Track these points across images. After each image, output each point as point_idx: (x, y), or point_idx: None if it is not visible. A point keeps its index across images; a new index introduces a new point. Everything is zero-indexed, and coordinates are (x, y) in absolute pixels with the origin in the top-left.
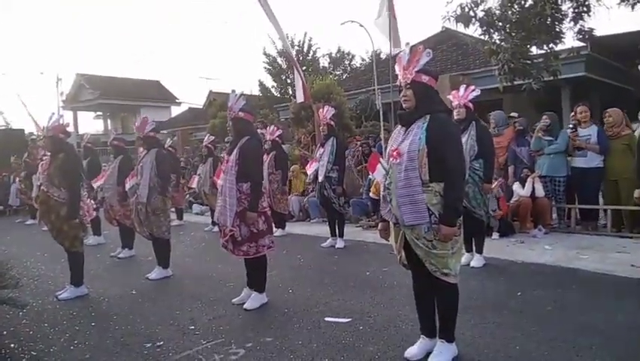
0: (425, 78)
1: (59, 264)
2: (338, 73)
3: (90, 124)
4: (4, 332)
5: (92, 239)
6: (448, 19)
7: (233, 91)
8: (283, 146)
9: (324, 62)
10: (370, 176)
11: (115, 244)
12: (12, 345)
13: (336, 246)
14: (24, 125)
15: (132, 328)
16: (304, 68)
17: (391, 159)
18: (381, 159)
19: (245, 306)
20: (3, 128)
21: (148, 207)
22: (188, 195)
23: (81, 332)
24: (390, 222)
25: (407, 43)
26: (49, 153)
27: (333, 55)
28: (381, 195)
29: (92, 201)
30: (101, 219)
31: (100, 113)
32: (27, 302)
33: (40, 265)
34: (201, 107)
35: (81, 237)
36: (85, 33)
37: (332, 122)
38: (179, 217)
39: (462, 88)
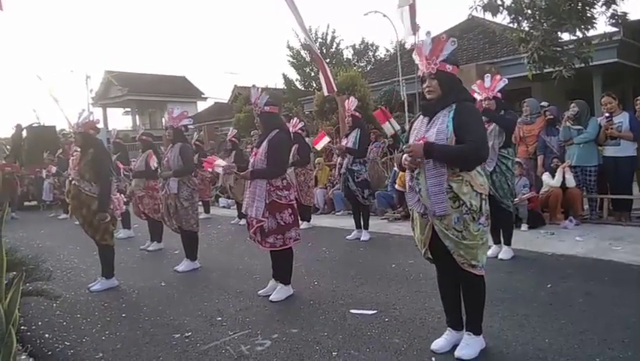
0: (449, 68)
1: (91, 257)
2: (362, 65)
3: (119, 120)
4: (39, 323)
5: (123, 232)
6: (475, 8)
7: (254, 86)
8: (307, 139)
9: (347, 54)
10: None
11: (144, 238)
12: (46, 335)
13: (362, 238)
14: (56, 122)
15: (161, 319)
16: (327, 60)
17: None
18: (391, 119)
19: (271, 298)
20: (36, 125)
21: (177, 201)
22: (214, 189)
23: (112, 323)
24: (416, 214)
25: (428, 32)
26: (79, 149)
27: (357, 46)
28: (407, 185)
29: (122, 196)
30: (130, 213)
31: (128, 109)
32: (60, 294)
33: (73, 258)
34: (226, 101)
35: (111, 230)
36: (112, 31)
37: (357, 114)
38: (206, 210)
39: (487, 79)
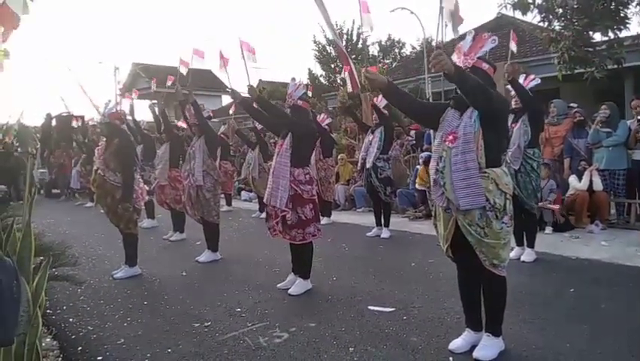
0: (485, 66)
1: (115, 245)
2: (388, 61)
3: (146, 112)
4: (64, 307)
5: (146, 222)
6: (505, 6)
7: (294, 79)
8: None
9: (373, 51)
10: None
11: (167, 228)
12: (70, 320)
13: (382, 236)
14: (84, 111)
15: (182, 308)
16: (353, 56)
17: (447, 143)
18: None
19: (289, 291)
20: (65, 114)
21: (200, 191)
22: (237, 182)
23: (134, 310)
24: (439, 209)
25: (470, 31)
26: (105, 139)
27: (383, 43)
28: (431, 179)
29: (146, 186)
30: (154, 203)
31: (155, 101)
32: (85, 280)
33: (98, 246)
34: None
35: (135, 219)
36: (141, 23)
37: (386, 112)
38: (228, 203)
39: (522, 77)
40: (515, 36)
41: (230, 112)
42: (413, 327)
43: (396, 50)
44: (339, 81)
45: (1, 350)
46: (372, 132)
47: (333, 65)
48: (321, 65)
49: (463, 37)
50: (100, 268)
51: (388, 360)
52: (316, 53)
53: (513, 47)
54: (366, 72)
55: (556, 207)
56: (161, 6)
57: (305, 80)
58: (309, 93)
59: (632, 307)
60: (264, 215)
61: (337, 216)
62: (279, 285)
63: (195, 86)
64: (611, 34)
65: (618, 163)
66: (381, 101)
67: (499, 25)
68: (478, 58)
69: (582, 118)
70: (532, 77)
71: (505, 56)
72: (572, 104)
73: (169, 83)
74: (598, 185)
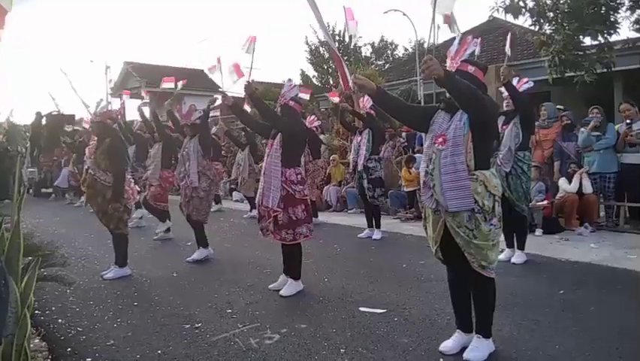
0: (471, 69)
1: (105, 245)
2: (380, 63)
3: (136, 111)
4: (53, 308)
5: (138, 212)
6: (497, 9)
7: (290, 80)
8: (322, 136)
9: (366, 52)
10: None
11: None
12: (60, 320)
13: (373, 237)
14: (75, 110)
15: (172, 309)
16: (345, 57)
17: (436, 145)
18: None
19: (281, 292)
20: (55, 113)
21: (194, 192)
22: (227, 183)
23: (124, 311)
24: (429, 211)
25: (458, 34)
26: (96, 138)
27: (376, 44)
28: (421, 181)
29: (137, 186)
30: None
31: (146, 100)
32: (74, 280)
33: (87, 246)
34: (242, 96)
35: (125, 219)
36: (133, 22)
37: (372, 112)
38: (217, 202)
39: (515, 80)
40: (511, 40)
41: (213, 114)
42: (404, 328)
43: (389, 52)
44: (331, 82)
45: None
46: (360, 134)
47: (325, 67)
48: (313, 66)
49: (452, 41)
50: (89, 268)
51: None
52: (308, 54)
53: (508, 50)
54: (355, 78)
55: (545, 202)
56: (155, 4)
57: (298, 81)
58: (307, 97)
59: (620, 309)
60: (254, 212)
61: (329, 218)
62: (270, 286)
63: (189, 87)
64: (601, 39)
65: (609, 166)
66: (367, 102)
67: (490, 28)
68: (463, 61)
69: (569, 122)
70: (525, 80)
71: (496, 59)
72: (559, 107)
73: (168, 85)
74: (587, 188)
